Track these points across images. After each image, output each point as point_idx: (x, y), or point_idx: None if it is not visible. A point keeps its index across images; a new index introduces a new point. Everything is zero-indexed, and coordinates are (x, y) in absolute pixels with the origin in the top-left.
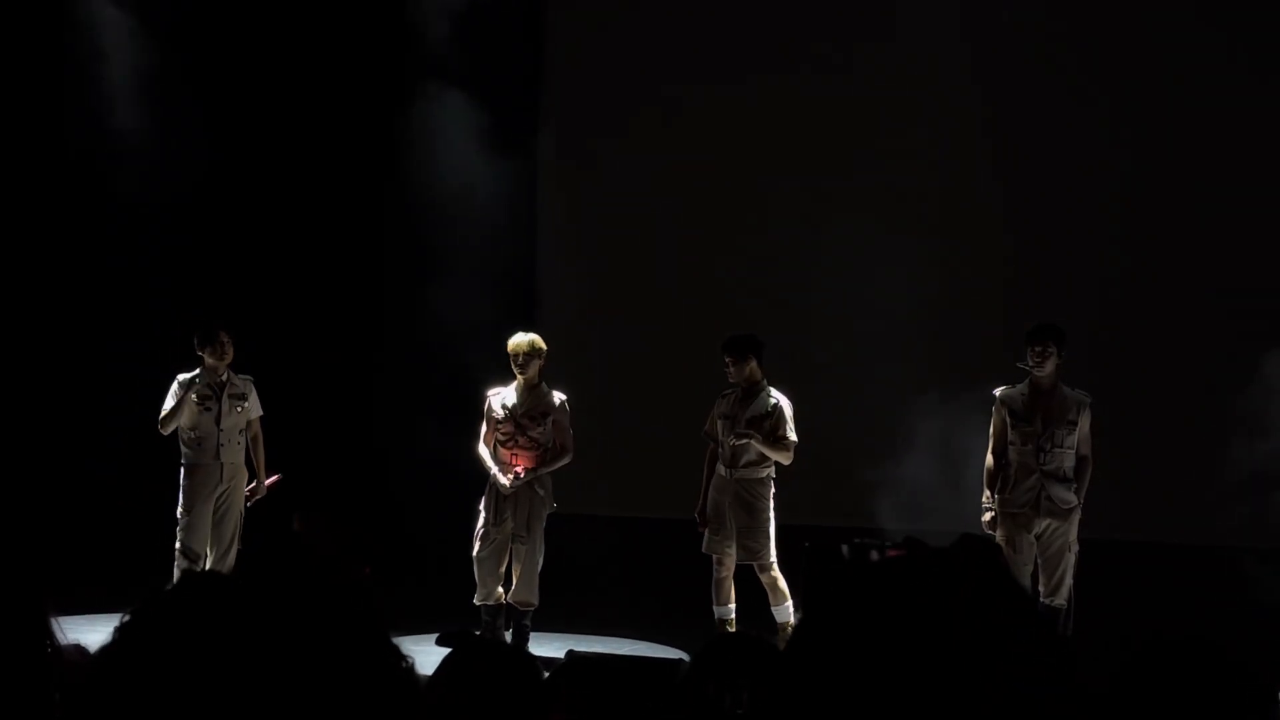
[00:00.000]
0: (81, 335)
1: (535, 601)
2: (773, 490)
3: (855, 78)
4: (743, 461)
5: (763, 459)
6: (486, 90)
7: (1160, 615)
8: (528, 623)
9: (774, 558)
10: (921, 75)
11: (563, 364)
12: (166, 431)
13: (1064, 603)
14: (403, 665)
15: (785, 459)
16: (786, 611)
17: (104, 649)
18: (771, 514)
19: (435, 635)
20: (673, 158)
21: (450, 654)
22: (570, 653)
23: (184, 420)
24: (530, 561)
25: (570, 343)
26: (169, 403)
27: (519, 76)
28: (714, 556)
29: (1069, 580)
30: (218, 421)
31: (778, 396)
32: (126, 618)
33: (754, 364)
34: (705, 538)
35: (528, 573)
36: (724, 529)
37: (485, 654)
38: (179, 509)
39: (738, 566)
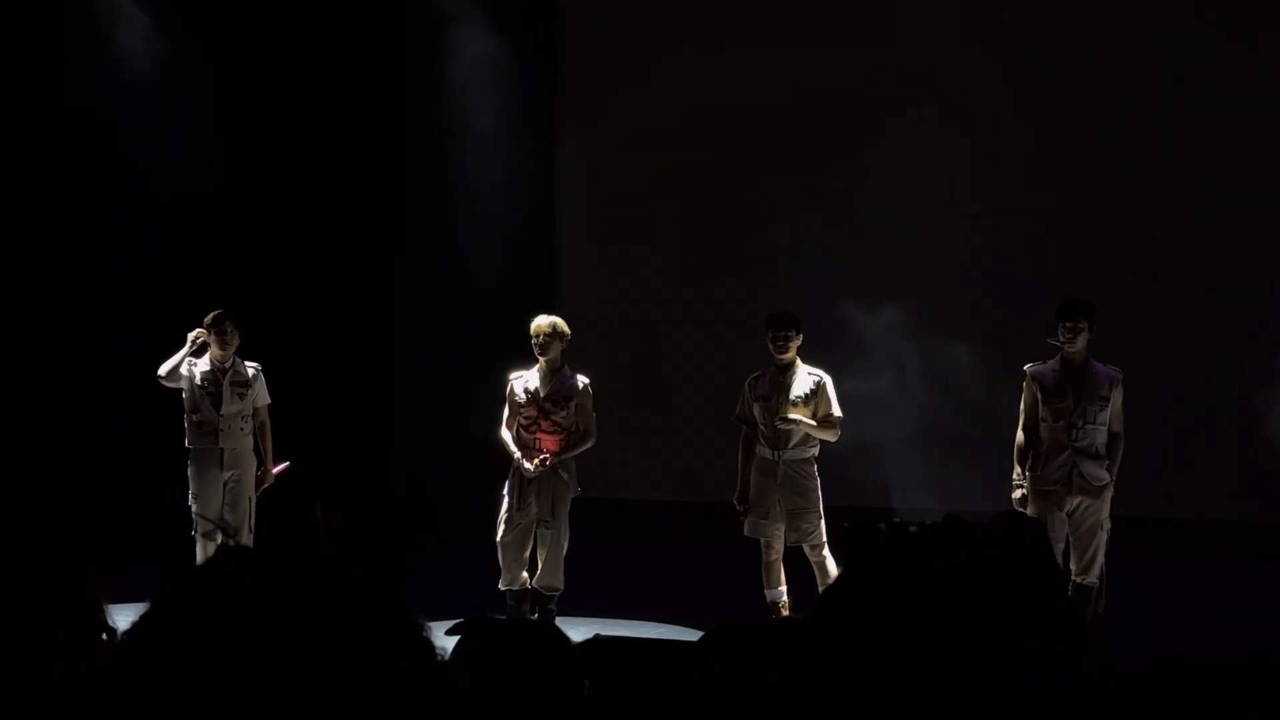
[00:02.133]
0: (81, 335)
1: (561, 586)
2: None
3: (888, 49)
4: (791, 443)
5: (809, 438)
6: (506, 61)
7: (1194, 595)
8: (553, 608)
9: (825, 537)
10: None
11: (583, 345)
12: (163, 377)
13: (1095, 581)
14: (424, 638)
15: (834, 437)
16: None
17: (141, 622)
18: (820, 493)
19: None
20: (700, 131)
21: (467, 637)
22: (596, 637)
23: (187, 405)
24: (555, 546)
25: (591, 323)
26: (177, 356)
27: (537, 45)
28: (762, 540)
29: (1101, 558)
30: (217, 408)
31: (818, 373)
32: (164, 590)
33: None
34: (748, 522)
35: (553, 558)
36: (772, 512)
37: (507, 632)
38: (190, 494)
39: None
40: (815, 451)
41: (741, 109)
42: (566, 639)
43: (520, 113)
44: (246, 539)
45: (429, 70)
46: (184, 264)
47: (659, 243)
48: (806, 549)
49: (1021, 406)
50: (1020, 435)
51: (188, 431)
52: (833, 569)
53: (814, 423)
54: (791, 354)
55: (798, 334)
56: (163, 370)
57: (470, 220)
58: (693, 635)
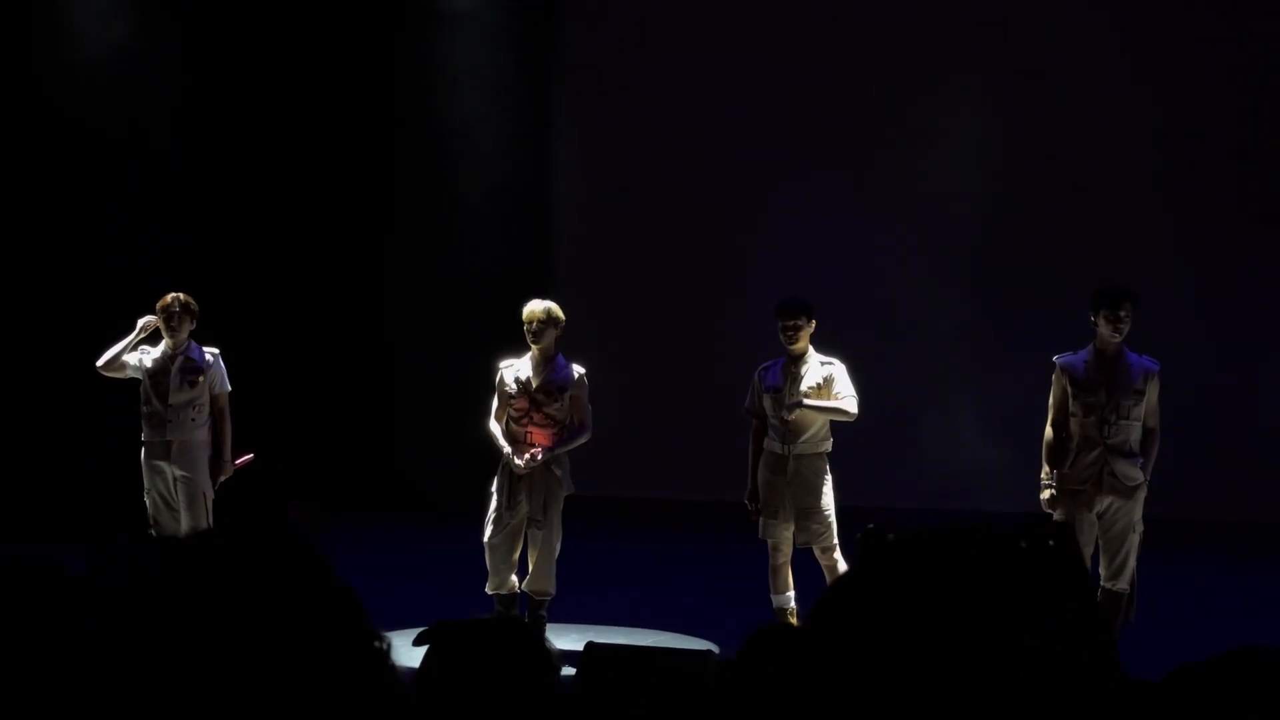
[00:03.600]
0: (81, 334)
1: (552, 590)
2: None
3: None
4: (803, 437)
5: (822, 432)
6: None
7: (1227, 599)
8: (544, 613)
9: (836, 539)
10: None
11: (578, 334)
12: (101, 367)
13: (1126, 587)
14: (378, 646)
15: (850, 410)
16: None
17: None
18: (831, 492)
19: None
20: (695, 119)
21: (431, 644)
22: (589, 645)
23: (141, 395)
24: (547, 548)
25: (587, 311)
26: (119, 344)
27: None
28: (770, 542)
29: (1132, 563)
30: (165, 398)
31: (831, 361)
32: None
33: (811, 328)
34: (761, 523)
35: (544, 560)
36: (780, 511)
37: (469, 634)
38: (144, 491)
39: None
40: (828, 447)
41: (740, 99)
42: (536, 635)
43: (515, 103)
44: None
45: (423, 60)
46: (183, 262)
47: (656, 230)
48: (817, 552)
49: (1050, 401)
50: (1049, 431)
51: (142, 424)
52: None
53: (823, 403)
54: (803, 343)
55: (809, 320)
56: (101, 360)
57: (463, 210)
58: (693, 643)
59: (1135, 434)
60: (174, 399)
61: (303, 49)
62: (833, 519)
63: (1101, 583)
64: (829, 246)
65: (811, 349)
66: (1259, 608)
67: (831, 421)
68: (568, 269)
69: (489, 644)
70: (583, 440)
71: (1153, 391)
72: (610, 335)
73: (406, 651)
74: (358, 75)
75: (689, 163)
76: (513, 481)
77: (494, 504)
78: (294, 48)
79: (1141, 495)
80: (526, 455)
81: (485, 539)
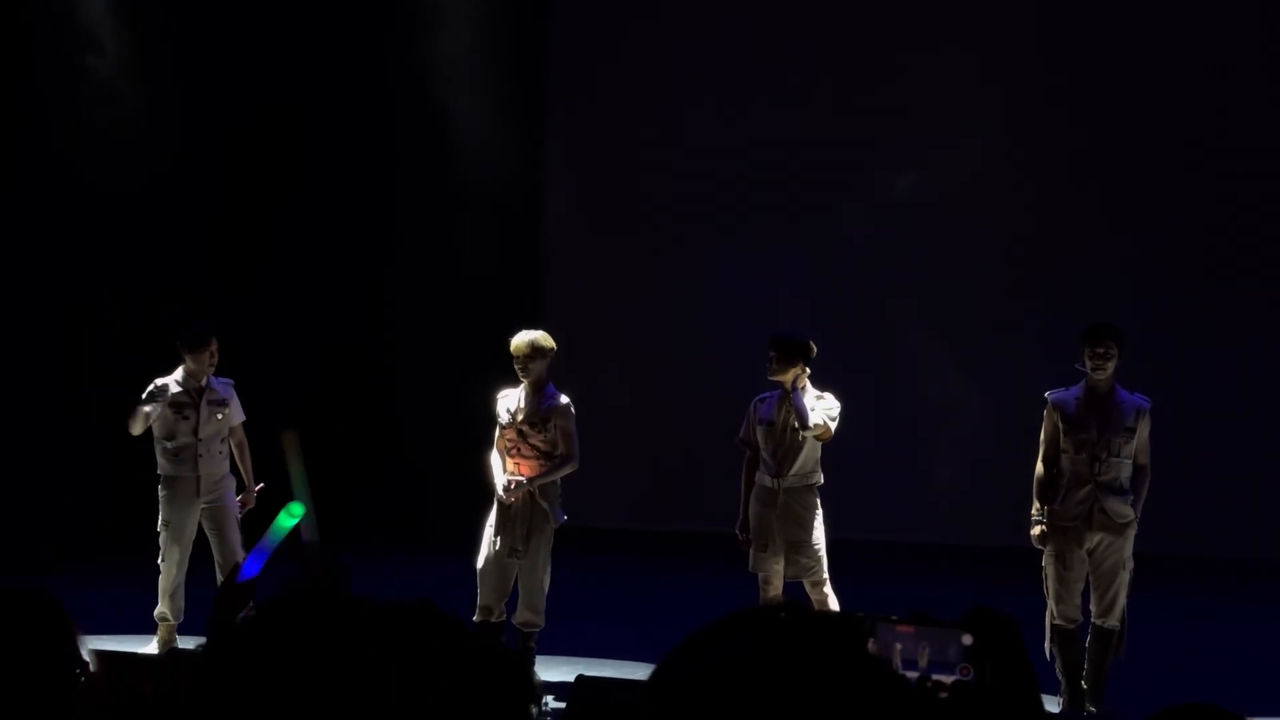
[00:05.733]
0: (81, 336)
1: (540, 623)
2: (818, 499)
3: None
4: (792, 470)
5: (810, 464)
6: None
7: (1217, 634)
8: (533, 644)
9: (826, 574)
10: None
11: (570, 365)
12: (136, 432)
13: (1117, 624)
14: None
15: (822, 423)
16: None
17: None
18: (822, 526)
19: None
20: (690, 133)
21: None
22: (580, 678)
23: (158, 430)
24: (532, 580)
25: (578, 342)
26: (140, 410)
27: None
28: (760, 575)
29: (1123, 600)
30: (195, 431)
31: (826, 396)
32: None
33: (799, 369)
34: (751, 555)
35: (529, 592)
36: (770, 544)
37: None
38: (159, 523)
39: (786, 584)
40: (818, 480)
41: (735, 102)
42: (521, 664)
43: (508, 104)
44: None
45: (415, 59)
46: (187, 261)
47: (648, 241)
48: (807, 585)
49: (1042, 436)
50: (1040, 467)
51: (162, 460)
52: (836, 607)
53: (820, 420)
54: (784, 376)
55: (794, 360)
56: (134, 429)
57: (457, 215)
58: None
59: (1126, 471)
60: (204, 431)
61: (293, 48)
62: (822, 553)
63: (1093, 619)
64: (822, 258)
65: (810, 385)
66: (1246, 644)
67: (822, 456)
68: (555, 301)
69: (477, 672)
70: (567, 470)
71: (1144, 429)
72: (600, 366)
73: None
74: (354, 75)
75: (682, 166)
76: (502, 510)
77: (487, 533)
78: (285, 46)
79: (1132, 532)
80: (509, 485)
81: (478, 566)
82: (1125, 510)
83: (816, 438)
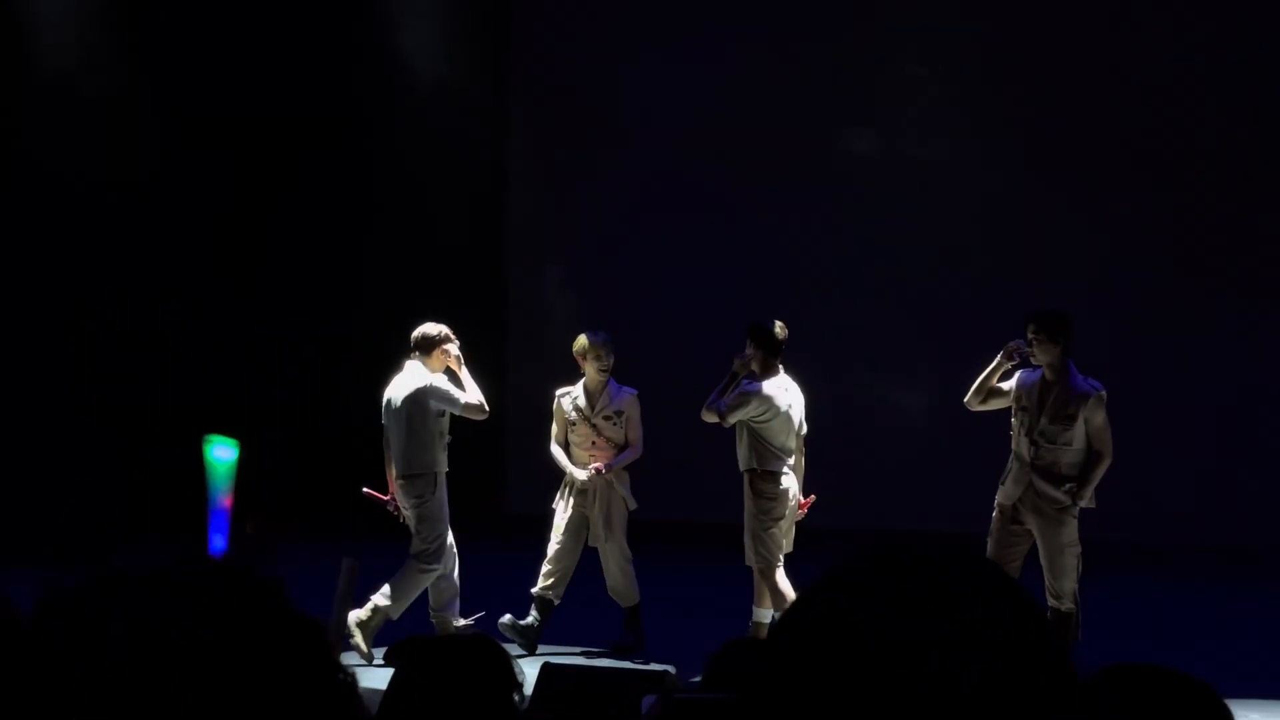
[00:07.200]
0: (83, 336)
1: (635, 597)
2: (757, 486)
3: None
4: (739, 458)
5: (743, 449)
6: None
7: (1177, 618)
8: (635, 621)
9: (761, 562)
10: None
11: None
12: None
13: (1070, 606)
14: (341, 679)
15: (720, 415)
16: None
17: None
18: (762, 514)
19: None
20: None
21: (404, 661)
22: (545, 665)
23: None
24: (620, 558)
25: (549, 332)
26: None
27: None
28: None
29: (1069, 584)
30: None
31: (747, 388)
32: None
33: (758, 355)
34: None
35: (621, 571)
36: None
37: (438, 651)
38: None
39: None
40: (754, 464)
41: (707, 84)
42: (503, 654)
43: (469, 88)
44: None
45: (377, 38)
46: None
47: (617, 230)
48: (755, 573)
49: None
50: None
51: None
52: (769, 594)
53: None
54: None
55: (754, 345)
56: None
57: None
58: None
59: (1068, 458)
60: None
61: (258, 40)
62: (763, 538)
63: (1048, 602)
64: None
65: (774, 371)
66: (1210, 627)
67: (758, 442)
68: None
69: (457, 662)
70: (635, 457)
71: (1095, 416)
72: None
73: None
74: (311, 67)
75: (647, 157)
76: (577, 497)
77: (558, 517)
78: (248, 40)
79: (1069, 518)
80: (591, 470)
81: (550, 551)
82: (1059, 497)
83: (715, 422)
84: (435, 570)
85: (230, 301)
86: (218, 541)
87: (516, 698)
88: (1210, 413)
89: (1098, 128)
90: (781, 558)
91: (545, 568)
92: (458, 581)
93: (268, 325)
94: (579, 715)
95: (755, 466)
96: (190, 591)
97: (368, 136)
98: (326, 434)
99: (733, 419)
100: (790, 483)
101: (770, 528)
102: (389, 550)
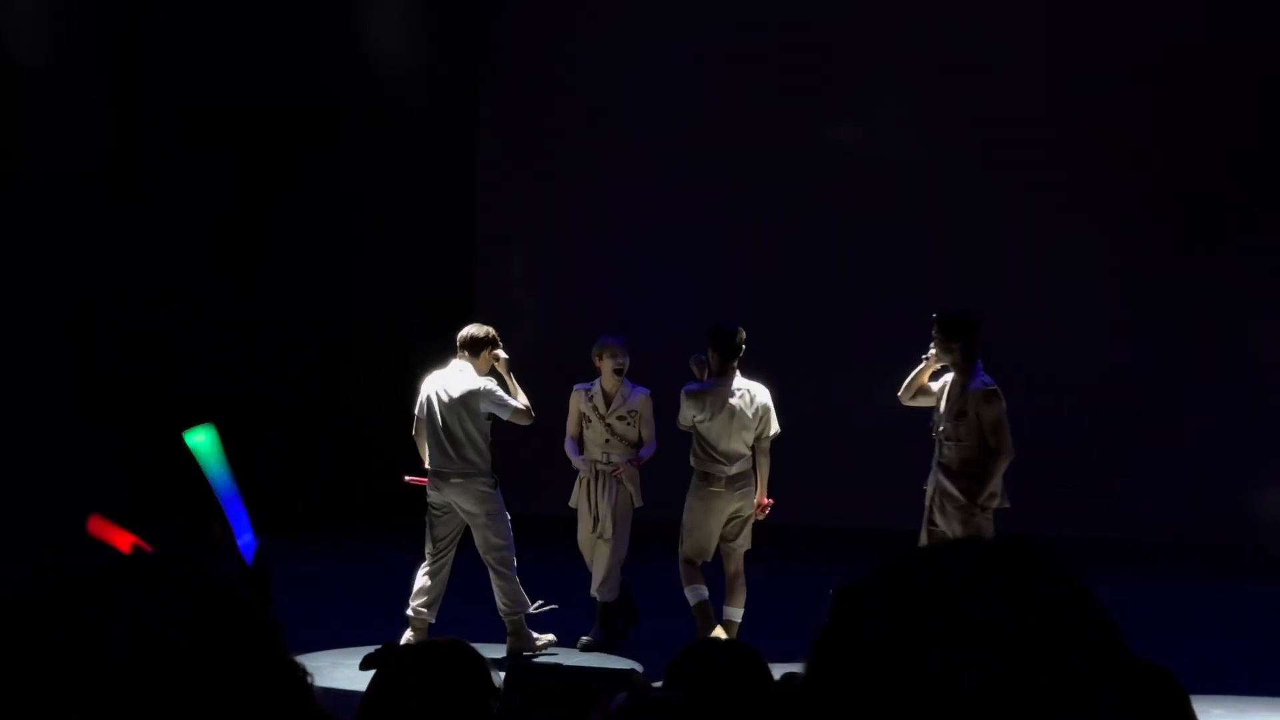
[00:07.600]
0: (83, 337)
1: (614, 595)
2: (694, 483)
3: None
4: None
5: (691, 452)
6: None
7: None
8: (616, 619)
9: (682, 551)
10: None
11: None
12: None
13: None
14: (299, 677)
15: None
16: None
17: None
18: (688, 509)
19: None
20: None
21: (381, 667)
22: (512, 665)
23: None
24: (611, 557)
25: (515, 326)
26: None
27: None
28: None
29: None
30: None
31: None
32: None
33: (715, 358)
34: None
35: (606, 568)
36: None
37: (412, 658)
38: None
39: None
40: (691, 462)
41: (681, 76)
42: (479, 659)
43: (440, 76)
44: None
45: (377, 38)
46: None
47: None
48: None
49: None
50: None
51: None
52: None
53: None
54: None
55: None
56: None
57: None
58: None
59: (963, 454)
60: None
61: (258, 40)
62: (684, 537)
63: None
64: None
65: (733, 373)
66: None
67: (697, 443)
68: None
69: (434, 667)
70: (652, 453)
71: (986, 413)
72: (541, 340)
73: (354, 673)
74: (311, 67)
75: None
76: (590, 490)
77: (581, 512)
78: (248, 40)
79: (971, 517)
80: (627, 461)
81: (580, 540)
82: (956, 495)
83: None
84: (514, 564)
85: (230, 301)
86: (245, 537)
87: (493, 702)
88: (1209, 413)
89: (1080, 124)
90: (699, 562)
91: (592, 573)
92: (444, 585)
93: (268, 325)
94: (547, 715)
95: (694, 466)
96: (191, 591)
97: (368, 137)
98: (326, 434)
99: (680, 421)
100: (728, 498)
101: (694, 526)
102: (389, 550)
